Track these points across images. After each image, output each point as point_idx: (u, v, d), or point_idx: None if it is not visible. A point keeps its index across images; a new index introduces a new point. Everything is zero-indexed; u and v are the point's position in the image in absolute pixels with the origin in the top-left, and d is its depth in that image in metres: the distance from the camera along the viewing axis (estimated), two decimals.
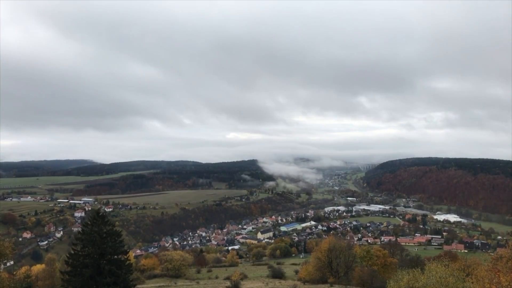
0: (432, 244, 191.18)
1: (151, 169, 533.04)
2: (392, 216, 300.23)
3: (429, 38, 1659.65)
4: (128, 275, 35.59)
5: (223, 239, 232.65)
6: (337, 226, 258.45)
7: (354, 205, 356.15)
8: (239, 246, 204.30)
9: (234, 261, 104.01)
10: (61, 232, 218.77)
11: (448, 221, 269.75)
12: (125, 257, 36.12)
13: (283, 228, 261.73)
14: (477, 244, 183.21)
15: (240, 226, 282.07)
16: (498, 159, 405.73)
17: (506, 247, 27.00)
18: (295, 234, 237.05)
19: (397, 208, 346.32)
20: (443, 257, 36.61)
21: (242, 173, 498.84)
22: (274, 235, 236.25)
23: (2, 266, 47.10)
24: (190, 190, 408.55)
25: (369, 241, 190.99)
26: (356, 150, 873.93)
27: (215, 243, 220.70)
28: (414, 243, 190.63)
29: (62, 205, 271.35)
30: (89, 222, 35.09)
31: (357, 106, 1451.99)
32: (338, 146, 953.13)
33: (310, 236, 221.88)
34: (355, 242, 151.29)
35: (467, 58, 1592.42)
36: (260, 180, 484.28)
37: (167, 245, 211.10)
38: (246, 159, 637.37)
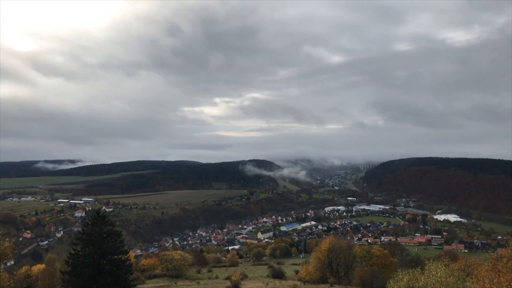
0: (432, 244, 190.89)
1: (151, 169, 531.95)
2: (392, 216, 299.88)
3: None
4: (128, 275, 35.61)
5: (223, 239, 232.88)
6: (337, 226, 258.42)
7: (354, 205, 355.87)
8: (239, 246, 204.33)
9: (234, 261, 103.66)
10: (62, 232, 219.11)
11: (448, 221, 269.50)
12: (125, 257, 36.13)
13: (283, 228, 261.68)
14: (477, 244, 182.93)
15: (240, 226, 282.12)
16: (498, 159, 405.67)
17: (507, 247, 26.92)
18: (295, 234, 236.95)
19: (397, 208, 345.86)
20: (443, 257, 36.59)
21: (242, 173, 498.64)
22: (274, 235, 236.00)
23: (3, 266, 47.07)
24: (190, 190, 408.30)
25: (369, 241, 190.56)
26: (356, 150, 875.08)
27: (215, 243, 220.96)
28: (414, 243, 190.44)
29: (62, 205, 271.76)
30: (89, 222, 35.12)
31: None
32: (338, 146, 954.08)
33: (310, 236, 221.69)
34: (355, 242, 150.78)
35: None
36: (260, 180, 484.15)
37: (167, 245, 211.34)
38: (246, 159, 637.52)
